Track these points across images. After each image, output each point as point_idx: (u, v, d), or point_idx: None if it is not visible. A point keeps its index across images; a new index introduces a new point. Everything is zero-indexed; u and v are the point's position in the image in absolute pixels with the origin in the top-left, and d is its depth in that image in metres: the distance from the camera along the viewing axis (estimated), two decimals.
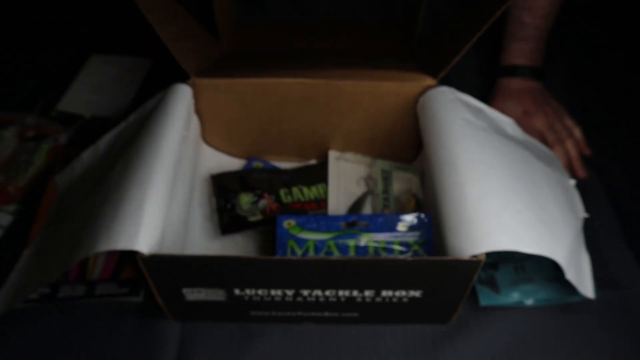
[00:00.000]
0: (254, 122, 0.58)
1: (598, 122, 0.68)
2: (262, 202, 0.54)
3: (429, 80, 0.53)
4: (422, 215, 0.47)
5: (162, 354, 0.46)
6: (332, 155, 0.60)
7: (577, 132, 0.63)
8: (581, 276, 0.46)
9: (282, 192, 0.56)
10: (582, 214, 0.52)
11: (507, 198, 0.42)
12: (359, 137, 0.59)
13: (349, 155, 0.60)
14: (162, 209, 0.42)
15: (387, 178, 0.56)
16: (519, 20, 0.64)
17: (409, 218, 0.47)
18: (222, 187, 0.56)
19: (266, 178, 0.57)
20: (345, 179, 0.58)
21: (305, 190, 0.56)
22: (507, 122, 0.54)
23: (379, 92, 0.54)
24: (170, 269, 0.40)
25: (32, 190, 0.60)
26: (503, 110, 0.63)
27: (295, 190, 0.56)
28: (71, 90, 0.73)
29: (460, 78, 0.56)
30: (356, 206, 0.55)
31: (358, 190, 0.57)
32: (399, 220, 0.47)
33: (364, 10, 0.74)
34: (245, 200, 0.54)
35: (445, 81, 0.53)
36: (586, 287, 0.46)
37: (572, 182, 0.54)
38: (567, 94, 0.71)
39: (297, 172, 0.58)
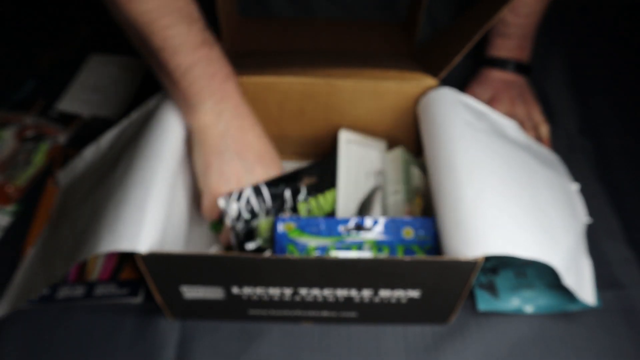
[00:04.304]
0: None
1: (600, 119, 0.68)
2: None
3: (430, 80, 0.53)
4: (428, 221, 0.45)
5: (161, 355, 0.46)
6: (344, 137, 0.55)
7: (544, 129, 0.62)
8: (582, 282, 0.45)
9: (301, 207, 0.50)
10: (584, 219, 0.51)
11: (504, 201, 0.42)
12: None
13: (360, 138, 0.56)
14: (164, 210, 0.42)
15: (406, 170, 0.53)
16: (502, 18, 0.64)
17: (414, 223, 0.45)
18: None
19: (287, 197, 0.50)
20: (357, 168, 0.54)
21: (320, 199, 0.51)
22: (509, 125, 0.54)
23: (380, 91, 0.54)
24: (168, 267, 0.40)
25: (31, 190, 0.60)
26: (473, 94, 0.63)
27: (312, 202, 0.51)
28: (70, 90, 0.73)
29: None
30: (366, 204, 0.53)
31: (367, 183, 0.54)
32: (404, 225, 0.45)
33: (365, 10, 0.74)
34: (265, 227, 0.49)
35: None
36: (586, 293, 0.45)
37: (575, 186, 0.54)
38: (568, 91, 0.71)
39: (311, 187, 0.51)
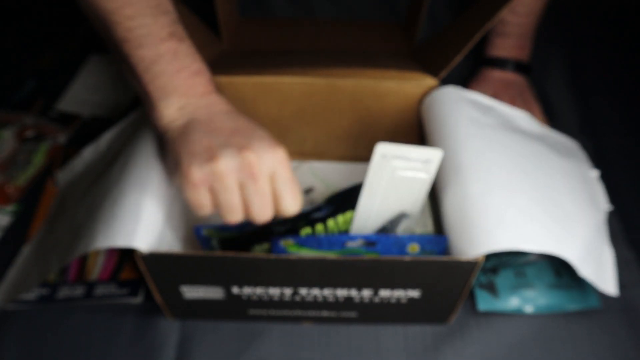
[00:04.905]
0: (255, 120, 0.57)
1: (600, 119, 0.68)
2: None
3: (430, 80, 0.53)
4: (437, 237, 0.43)
5: (161, 355, 0.46)
6: (380, 150, 0.43)
7: None
8: (602, 272, 0.44)
9: (303, 231, 0.46)
10: (604, 206, 0.50)
11: (512, 196, 0.41)
12: (359, 137, 0.59)
13: (403, 150, 0.42)
14: (161, 206, 0.42)
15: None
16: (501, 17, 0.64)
17: (421, 240, 0.43)
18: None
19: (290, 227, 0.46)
20: (387, 189, 0.44)
21: (330, 223, 0.46)
22: (521, 117, 0.53)
23: (380, 91, 0.54)
24: (168, 267, 0.40)
25: (31, 190, 0.60)
26: None
27: (319, 226, 0.46)
28: (70, 90, 0.73)
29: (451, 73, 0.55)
30: (387, 230, 0.47)
31: (394, 208, 0.46)
32: (410, 241, 0.43)
33: (365, 10, 0.74)
34: (259, 249, 0.47)
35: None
36: (607, 283, 0.43)
37: (595, 173, 0.52)
38: (568, 91, 0.71)
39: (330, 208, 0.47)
